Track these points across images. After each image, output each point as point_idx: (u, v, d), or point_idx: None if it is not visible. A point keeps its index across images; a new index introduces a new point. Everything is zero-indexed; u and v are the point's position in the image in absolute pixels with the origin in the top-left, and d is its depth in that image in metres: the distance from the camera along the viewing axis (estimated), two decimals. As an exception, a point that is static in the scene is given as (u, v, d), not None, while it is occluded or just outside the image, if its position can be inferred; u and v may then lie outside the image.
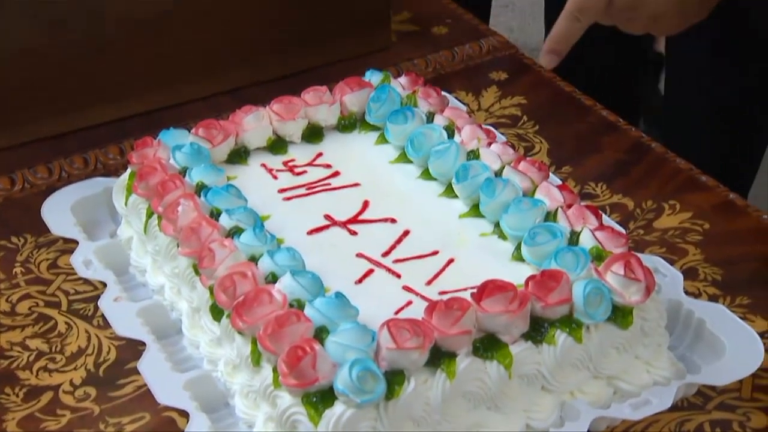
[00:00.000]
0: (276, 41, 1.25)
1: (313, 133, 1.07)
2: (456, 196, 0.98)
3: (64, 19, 1.14)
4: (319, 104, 1.07)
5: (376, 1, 1.28)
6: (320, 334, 0.78)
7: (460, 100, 1.21)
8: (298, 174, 1.03)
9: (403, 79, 1.11)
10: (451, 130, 1.03)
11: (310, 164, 1.04)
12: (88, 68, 1.18)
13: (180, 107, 1.22)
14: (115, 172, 1.12)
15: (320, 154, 1.06)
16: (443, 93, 1.11)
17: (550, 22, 1.53)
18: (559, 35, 1.03)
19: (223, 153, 1.03)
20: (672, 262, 0.98)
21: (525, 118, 1.23)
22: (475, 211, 0.96)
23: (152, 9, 1.18)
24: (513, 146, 1.03)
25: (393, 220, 0.97)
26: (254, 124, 1.05)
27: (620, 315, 0.83)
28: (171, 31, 1.20)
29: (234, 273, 0.84)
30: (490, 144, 1.01)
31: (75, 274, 0.99)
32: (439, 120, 1.05)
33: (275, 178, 1.03)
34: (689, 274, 0.99)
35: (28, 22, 1.13)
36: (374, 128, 1.08)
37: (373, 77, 1.11)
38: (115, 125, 1.20)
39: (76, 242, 1.01)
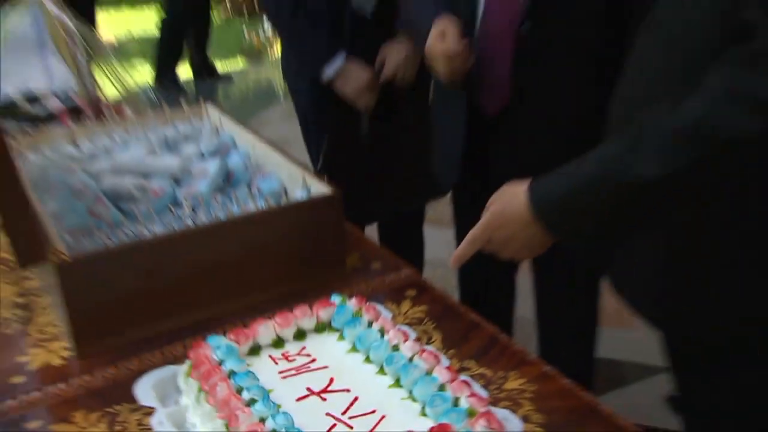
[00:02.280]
0: (273, 277, 1.30)
1: (300, 334, 1.15)
2: (386, 374, 1.04)
3: (153, 268, 1.20)
4: (303, 316, 1.12)
5: (336, 251, 1.35)
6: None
7: (387, 309, 1.25)
8: (291, 361, 1.11)
9: (353, 300, 1.17)
10: (383, 332, 1.10)
11: (298, 354, 1.12)
12: (163, 300, 1.21)
13: (219, 318, 1.24)
14: (180, 360, 1.13)
15: (304, 348, 1.13)
16: (378, 307, 1.16)
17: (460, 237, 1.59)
18: (463, 255, 1.11)
19: (245, 349, 1.07)
20: (514, 412, 1.01)
21: (427, 319, 1.27)
22: (398, 383, 1.04)
23: (205, 261, 1.22)
24: (419, 339, 1.07)
25: (348, 390, 1.03)
26: (264, 330, 1.09)
27: (487, 453, 0.89)
28: (216, 274, 1.25)
29: (250, 431, 0.86)
30: (405, 340, 1.06)
31: (152, 429, 1.00)
32: (376, 325, 1.12)
33: (276, 363, 1.09)
34: (526, 419, 1.01)
35: (128, 272, 1.19)
36: (337, 330, 1.14)
37: (336, 298, 1.17)
38: (179, 331, 1.23)
39: (153, 408, 1.03)
